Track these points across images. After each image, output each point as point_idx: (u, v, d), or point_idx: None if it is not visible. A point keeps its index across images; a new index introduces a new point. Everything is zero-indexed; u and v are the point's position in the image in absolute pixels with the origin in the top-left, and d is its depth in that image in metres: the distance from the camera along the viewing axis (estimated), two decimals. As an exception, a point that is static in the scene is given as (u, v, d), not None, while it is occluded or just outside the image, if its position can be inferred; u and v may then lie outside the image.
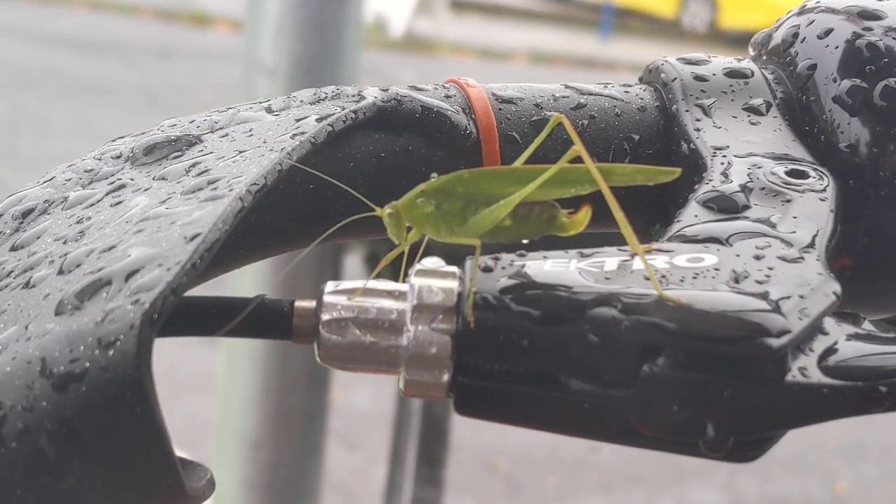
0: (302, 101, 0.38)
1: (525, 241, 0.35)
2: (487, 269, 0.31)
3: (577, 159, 0.33)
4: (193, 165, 0.34)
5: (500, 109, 0.40)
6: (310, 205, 0.36)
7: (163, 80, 5.81)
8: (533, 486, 2.49)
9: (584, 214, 0.34)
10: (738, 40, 10.00)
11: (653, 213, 0.40)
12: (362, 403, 2.61)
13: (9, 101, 4.95)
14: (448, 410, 1.23)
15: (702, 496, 2.48)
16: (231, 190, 0.30)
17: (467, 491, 2.37)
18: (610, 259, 0.31)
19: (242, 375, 1.20)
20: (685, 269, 0.31)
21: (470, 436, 2.38)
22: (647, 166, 0.35)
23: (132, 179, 0.34)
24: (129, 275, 0.28)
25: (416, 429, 1.24)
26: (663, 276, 0.30)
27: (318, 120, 0.35)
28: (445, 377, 0.30)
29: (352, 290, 0.31)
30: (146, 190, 0.33)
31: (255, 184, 0.31)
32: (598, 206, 0.34)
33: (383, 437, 2.45)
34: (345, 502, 2.31)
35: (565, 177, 0.34)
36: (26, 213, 0.35)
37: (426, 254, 0.33)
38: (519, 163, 0.36)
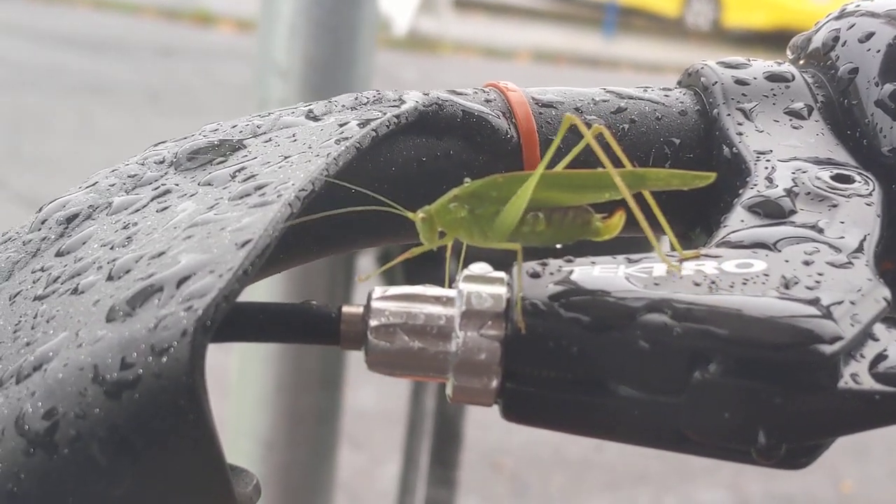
0: (343, 106, 0.38)
1: (559, 246, 0.35)
2: (535, 275, 0.31)
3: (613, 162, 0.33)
4: (239, 171, 0.34)
5: (540, 114, 0.40)
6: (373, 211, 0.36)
7: (166, 79, 5.80)
8: (538, 486, 2.48)
9: (619, 219, 0.34)
10: (743, 39, 9.99)
11: (693, 218, 0.40)
12: (367, 402, 2.61)
13: (11, 100, 4.95)
14: (461, 411, 1.22)
15: (707, 495, 2.48)
16: (279, 196, 0.30)
17: (473, 490, 2.37)
18: (658, 265, 0.31)
19: (256, 376, 1.20)
20: (735, 275, 0.30)
21: (475, 434, 2.38)
22: (683, 171, 0.35)
23: (177, 185, 0.34)
24: (181, 281, 0.27)
25: (430, 429, 1.24)
26: (713, 282, 0.30)
27: (361, 125, 0.35)
28: (494, 383, 0.30)
29: (399, 296, 0.31)
30: (192, 195, 0.33)
31: (303, 189, 0.31)
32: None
33: (387, 435, 2.45)
34: (350, 502, 2.31)
35: (599, 182, 0.34)
36: (70, 219, 0.35)
37: (465, 258, 0.33)
38: (558, 168, 0.36)
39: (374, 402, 2.61)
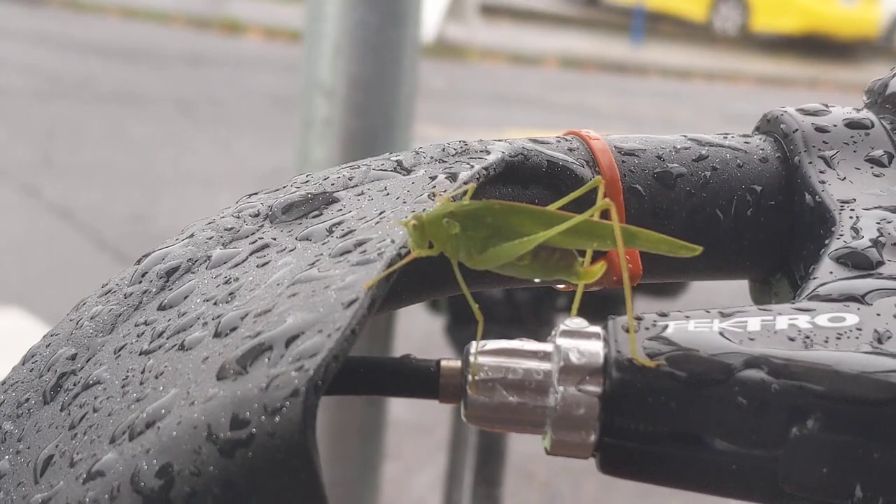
0: (431, 158, 0.38)
1: (537, 281, 0.35)
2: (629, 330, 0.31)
3: (606, 214, 0.34)
4: (336, 225, 0.34)
5: (622, 162, 0.40)
6: (431, 261, 0.36)
7: (196, 88, 5.84)
8: (570, 493, 2.48)
9: (599, 268, 0.34)
10: (771, 44, 9.95)
11: (775, 264, 0.41)
12: (398, 412, 2.62)
13: (44, 109, 5.00)
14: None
15: (740, 504, 2.47)
16: (381, 254, 0.31)
17: (505, 498, 2.37)
18: (752, 319, 0.31)
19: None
20: (828, 330, 0.31)
21: (508, 443, 2.38)
22: (671, 238, 0.35)
23: (274, 239, 0.35)
24: (290, 340, 0.28)
25: (473, 447, 1.24)
26: (807, 337, 0.31)
27: (450, 178, 0.36)
28: (592, 438, 0.31)
29: (496, 351, 0.32)
30: (291, 250, 0.34)
31: (404, 246, 0.31)
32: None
33: (419, 445, 2.45)
34: (385, 512, 2.32)
35: (591, 230, 0.34)
36: (170, 272, 0.35)
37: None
38: (554, 207, 0.36)
39: (404, 412, 2.62)
